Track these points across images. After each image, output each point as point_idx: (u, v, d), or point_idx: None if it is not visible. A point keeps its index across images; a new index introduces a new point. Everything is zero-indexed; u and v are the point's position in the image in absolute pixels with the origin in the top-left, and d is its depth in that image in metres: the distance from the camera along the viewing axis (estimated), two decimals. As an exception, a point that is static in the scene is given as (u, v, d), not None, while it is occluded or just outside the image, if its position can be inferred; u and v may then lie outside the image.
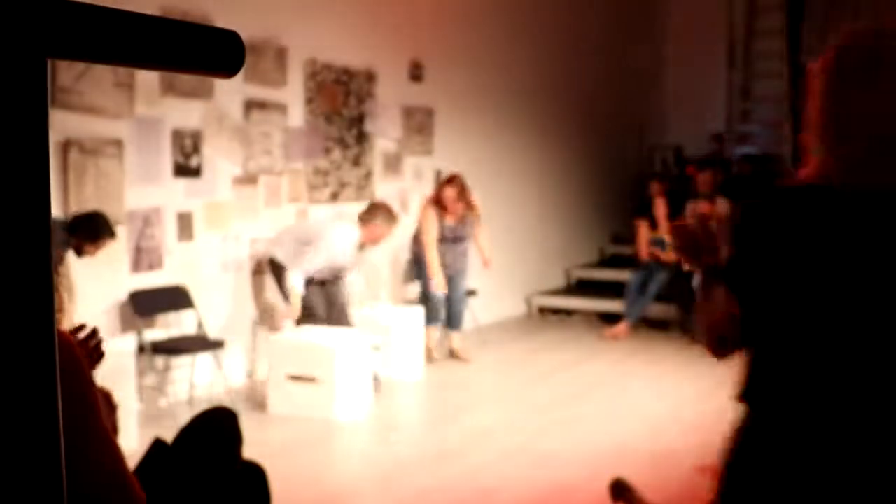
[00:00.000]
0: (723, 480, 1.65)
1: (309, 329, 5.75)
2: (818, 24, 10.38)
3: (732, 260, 1.60)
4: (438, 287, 6.62)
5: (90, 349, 1.99)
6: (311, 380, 5.40)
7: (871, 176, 1.50)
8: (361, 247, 5.94)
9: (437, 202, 6.69)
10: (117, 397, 4.43)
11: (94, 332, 2.07)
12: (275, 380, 5.48)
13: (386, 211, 5.90)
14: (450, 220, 6.70)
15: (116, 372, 4.62)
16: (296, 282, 5.70)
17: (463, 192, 6.64)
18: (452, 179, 6.71)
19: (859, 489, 1.49)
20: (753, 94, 11.01)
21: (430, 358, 6.77)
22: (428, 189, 7.61)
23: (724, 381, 6.08)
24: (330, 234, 5.75)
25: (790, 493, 1.54)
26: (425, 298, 6.77)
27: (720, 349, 1.69)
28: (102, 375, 4.46)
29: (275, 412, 5.41)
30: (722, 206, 8.59)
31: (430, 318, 6.78)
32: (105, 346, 2.14)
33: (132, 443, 4.16)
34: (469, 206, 6.70)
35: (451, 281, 6.91)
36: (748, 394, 1.62)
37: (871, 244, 1.49)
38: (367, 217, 5.87)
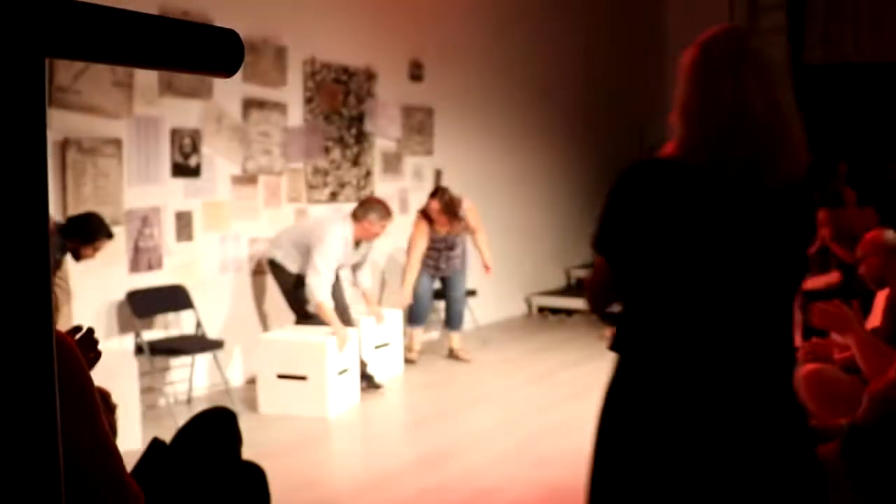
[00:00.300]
0: (599, 422, 1.84)
1: (298, 328, 5.76)
2: (819, 23, 10.38)
3: (600, 226, 1.82)
4: (406, 298, 6.57)
5: (86, 350, 1.98)
6: (301, 378, 5.41)
7: (718, 152, 1.72)
8: (357, 243, 5.92)
9: (426, 215, 6.61)
10: (118, 398, 4.45)
11: (90, 333, 2.07)
12: (265, 379, 5.48)
13: (380, 207, 5.85)
14: (441, 231, 6.64)
15: (119, 372, 4.66)
16: (323, 297, 5.57)
17: (450, 205, 6.46)
18: (436, 192, 6.60)
19: (712, 423, 1.72)
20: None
21: (409, 358, 6.79)
22: (427, 189, 7.61)
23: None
24: (327, 237, 5.72)
25: (654, 429, 1.75)
26: (414, 300, 6.79)
27: (597, 306, 1.94)
28: (106, 375, 4.46)
29: (265, 412, 5.40)
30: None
31: (412, 320, 6.80)
32: (101, 347, 2.14)
33: (136, 443, 4.15)
34: (455, 218, 6.51)
35: (449, 281, 6.90)
36: (618, 344, 1.83)
37: (716, 213, 1.73)
38: (360, 213, 5.82)
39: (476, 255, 6.92)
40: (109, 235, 4.76)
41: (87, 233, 4.68)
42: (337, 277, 6.07)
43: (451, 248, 6.75)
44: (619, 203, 1.80)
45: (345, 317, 6.00)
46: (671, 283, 1.76)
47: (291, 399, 5.39)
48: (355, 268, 6.21)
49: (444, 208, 6.44)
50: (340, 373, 5.51)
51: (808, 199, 1.86)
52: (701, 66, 1.79)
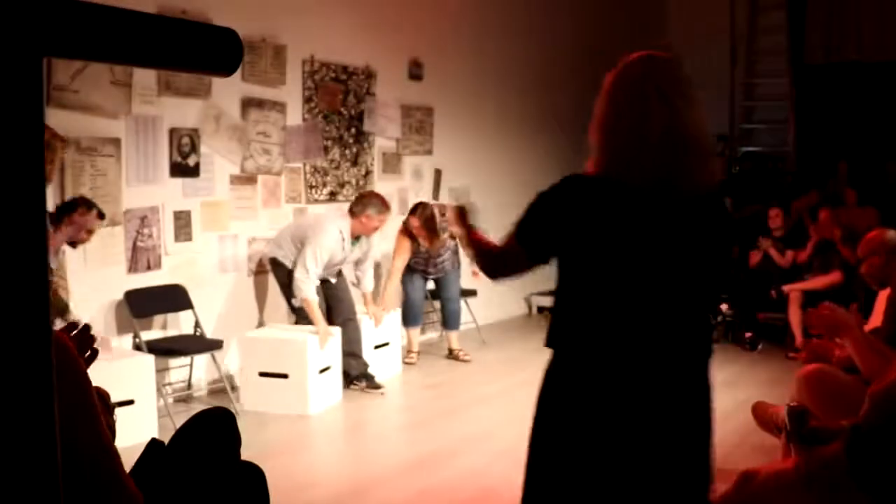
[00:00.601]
0: (535, 409, 2.10)
1: (280, 326, 5.78)
2: (821, 21, 10.37)
3: (525, 221, 2.08)
4: (388, 308, 6.52)
5: (83, 348, 1.97)
6: (282, 376, 5.44)
7: (630, 166, 1.92)
8: (356, 239, 5.89)
9: (407, 230, 6.54)
10: (134, 394, 4.46)
11: (86, 329, 2.06)
12: (247, 377, 5.48)
13: (378, 201, 5.82)
14: (423, 246, 6.58)
15: (135, 368, 4.75)
16: (308, 292, 5.59)
17: (430, 221, 6.36)
18: (416, 208, 6.50)
19: (627, 410, 1.95)
20: (756, 93, 11.00)
21: (408, 361, 6.79)
22: (427, 189, 7.60)
23: (724, 382, 6.10)
24: (323, 232, 5.70)
25: (582, 418, 1.99)
26: (405, 302, 6.78)
27: (492, 273, 2.26)
28: (123, 373, 4.44)
29: (247, 409, 5.40)
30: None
31: (407, 321, 6.79)
32: (97, 344, 2.13)
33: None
34: (435, 234, 6.41)
35: (441, 282, 6.89)
36: (550, 339, 2.06)
37: (631, 221, 1.93)
38: (358, 208, 5.81)
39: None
40: (89, 207, 4.63)
41: (60, 209, 4.54)
42: (340, 274, 6.06)
43: (436, 255, 6.72)
44: (545, 209, 2.04)
45: (350, 315, 5.98)
46: (592, 285, 1.99)
47: (272, 397, 5.41)
48: (358, 264, 6.17)
49: (423, 224, 6.37)
50: (321, 371, 5.54)
51: (719, 205, 2.05)
52: (617, 87, 2.01)
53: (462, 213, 2.44)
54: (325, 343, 5.53)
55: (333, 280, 6.02)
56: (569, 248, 2.00)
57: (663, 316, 1.97)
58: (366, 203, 5.80)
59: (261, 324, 6.18)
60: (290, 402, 5.40)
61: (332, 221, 5.80)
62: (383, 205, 5.81)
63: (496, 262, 2.29)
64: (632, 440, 1.97)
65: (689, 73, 2.05)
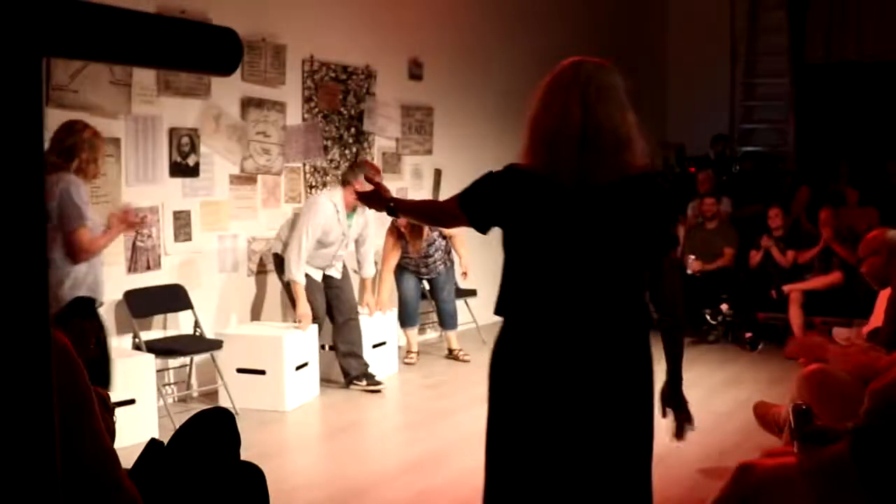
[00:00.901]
0: (490, 376, 2.34)
1: (257, 323, 5.80)
2: (821, 21, 10.37)
3: (469, 191, 2.35)
4: (382, 307, 6.50)
5: (81, 349, 1.97)
6: (259, 372, 5.47)
7: (550, 159, 2.18)
8: (352, 211, 5.80)
9: (396, 229, 6.52)
10: (135, 394, 4.46)
11: (84, 331, 2.06)
12: (225, 374, 5.48)
13: (368, 166, 5.78)
14: (413, 245, 6.55)
15: (137, 368, 4.79)
16: (294, 273, 5.61)
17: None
18: None
19: (553, 379, 2.20)
20: (756, 93, 10.99)
21: (408, 361, 6.79)
22: (427, 188, 7.59)
23: (724, 382, 6.11)
24: (315, 206, 5.69)
25: (510, 385, 2.26)
26: (401, 303, 6.78)
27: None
28: (124, 373, 4.43)
29: (224, 406, 5.41)
30: (726, 204, 8.59)
31: (404, 322, 6.79)
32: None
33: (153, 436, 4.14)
34: (418, 234, 6.40)
35: (434, 282, 6.88)
36: (498, 308, 2.34)
37: (551, 208, 2.19)
38: (350, 176, 5.75)
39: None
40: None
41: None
42: (344, 274, 6.00)
43: (426, 255, 6.72)
44: (488, 189, 2.32)
45: (351, 315, 5.95)
46: (521, 264, 2.26)
47: (250, 393, 5.43)
48: (357, 247, 6.09)
49: (410, 224, 6.35)
50: (298, 367, 5.56)
51: (648, 186, 2.23)
52: (545, 89, 2.24)
53: (375, 195, 2.66)
54: (305, 325, 5.58)
55: (337, 275, 5.96)
56: (504, 227, 2.30)
57: (580, 294, 2.20)
58: (357, 170, 5.72)
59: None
60: (267, 398, 5.44)
61: (324, 195, 5.81)
62: (374, 169, 5.76)
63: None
64: (554, 406, 2.22)
65: (624, 80, 2.33)
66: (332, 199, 5.74)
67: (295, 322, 5.80)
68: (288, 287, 5.80)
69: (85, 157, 4.08)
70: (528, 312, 2.25)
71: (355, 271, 6.26)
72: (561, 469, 2.24)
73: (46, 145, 3.99)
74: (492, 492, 2.33)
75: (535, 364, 2.22)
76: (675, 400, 2.44)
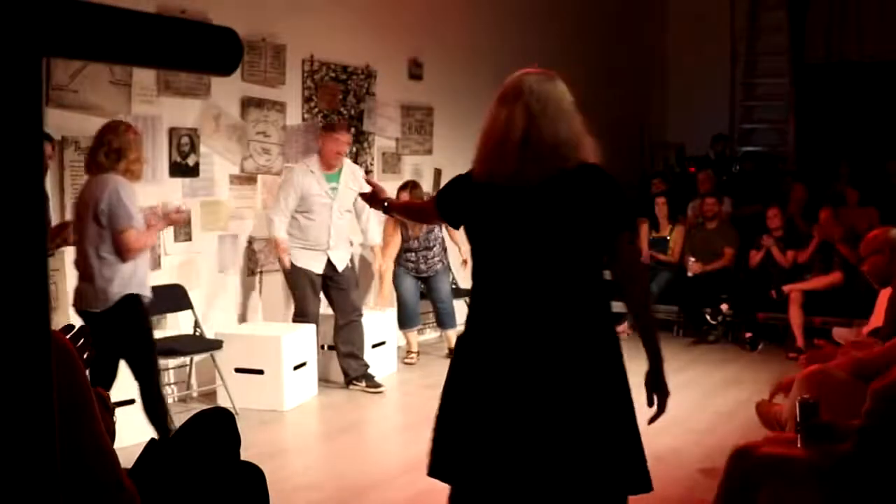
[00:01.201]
0: (451, 360, 2.55)
1: (256, 323, 5.80)
2: (821, 20, 10.37)
3: (440, 192, 2.65)
4: (388, 302, 6.53)
5: (80, 350, 1.97)
6: (258, 372, 5.47)
7: (490, 166, 2.43)
8: (332, 172, 5.78)
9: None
10: (134, 393, 4.47)
11: (83, 332, 2.05)
12: (224, 374, 5.49)
13: (329, 125, 5.93)
14: (414, 231, 6.58)
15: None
16: (274, 231, 5.70)
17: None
18: (406, 185, 6.55)
19: (498, 359, 2.37)
20: (756, 93, 10.99)
21: (407, 359, 6.79)
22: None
23: (725, 382, 6.08)
24: (289, 173, 5.83)
25: (473, 363, 2.43)
26: (399, 304, 6.78)
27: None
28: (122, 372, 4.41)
29: (223, 406, 5.41)
30: (727, 205, 8.59)
31: (403, 323, 6.80)
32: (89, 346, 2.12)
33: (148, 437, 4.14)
34: None
35: (431, 282, 6.86)
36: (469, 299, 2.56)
37: (493, 210, 2.41)
38: (326, 128, 5.90)
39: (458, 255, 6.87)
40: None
41: None
42: (349, 270, 5.96)
43: (427, 248, 6.72)
44: (452, 190, 2.58)
45: (353, 317, 5.92)
46: (477, 259, 2.48)
47: (248, 393, 5.43)
48: (358, 217, 6.02)
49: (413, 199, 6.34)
50: (296, 367, 5.57)
51: (586, 177, 2.38)
52: (495, 102, 2.51)
53: (373, 196, 2.96)
54: (285, 262, 5.63)
55: (340, 265, 5.89)
56: (464, 226, 2.55)
57: (522, 282, 2.37)
58: (333, 124, 5.92)
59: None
60: (265, 398, 5.44)
61: (298, 162, 5.95)
62: (335, 125, 5.93)
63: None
64: (501, 390, 2.36)
65: (565, 90, 2.60)
66: (305, 163, 5.81)
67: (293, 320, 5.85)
68: (288, 278, 5.80)
69: (132, 158, 4.19)
70: (481, 301, 2.48)
71: (361, 245, 6.26)
72: (504, 454, 2.36)
73: (91, 146, 4.24)
74: (435, 462, 2.55)
75: (484, 351, 2.40)
76: (654, 383, 2.48)
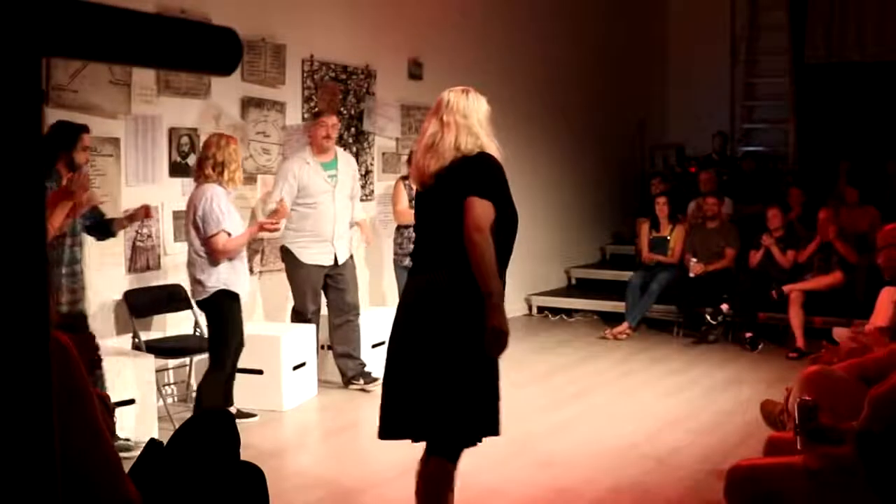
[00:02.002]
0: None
1: (255, 323, 5.80)
2: (822, 20, 10.37)
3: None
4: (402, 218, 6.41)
5: (86, 353, 1.97)
6: (257, 372, 5.46)
7: (414, 168, 3.16)
8: (327, 161, 5.76)
9: (405, 179, 6.33)
10: (134, 394, 4.47)
11: (90, 338, 2.06)
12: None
13: (319, 114, 5.96)
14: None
15: (135, 368, 4.80)
16: (276, 195, 5.65)
17: None
18: (406, 178, 6.52)
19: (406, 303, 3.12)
20: (756, 92, 10.99)
21: None
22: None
23: (725, 382, 6.08)
24: (280, 169, 5.84)
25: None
26: None
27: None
28: (122, 371, 4.43)
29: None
30: (728, 206, 8.59)
31: None
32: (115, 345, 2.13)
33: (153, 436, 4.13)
34: None
35: None
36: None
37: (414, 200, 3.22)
38: (315, 116, 5.92)
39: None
40: (84, 128, 4.51)
41: (66, 135, 4.38)
42: (349, 265, 5.93)
43: None
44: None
45: (350, 316, 5.92)
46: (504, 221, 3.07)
47: (248, 393, 5.41)
48: (353, 202, 5.99)
49: None
50: (295, 367, 5.58)
51: (461, 165, 2.99)
52: (428, 115, 3.14)
53: None
54: (279, 218, 5.41)
55: (342, 258, 5.83)
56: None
57: (420, 249, 3.11)
58: (318, 114, 5.94)
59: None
60: (264, 398, 5.43)
61: (291, 155, 5.99)
62: (323, 111, 5.98)
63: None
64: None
65: (484, 102, 3.24)
66: (298, 156, 5.82)
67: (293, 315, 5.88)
68: (290, 276, 5.82)
69: (233, 168, 4.79)
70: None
71: (351, 225, 6.20)
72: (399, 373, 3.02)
73: (198, 158, 4.92)
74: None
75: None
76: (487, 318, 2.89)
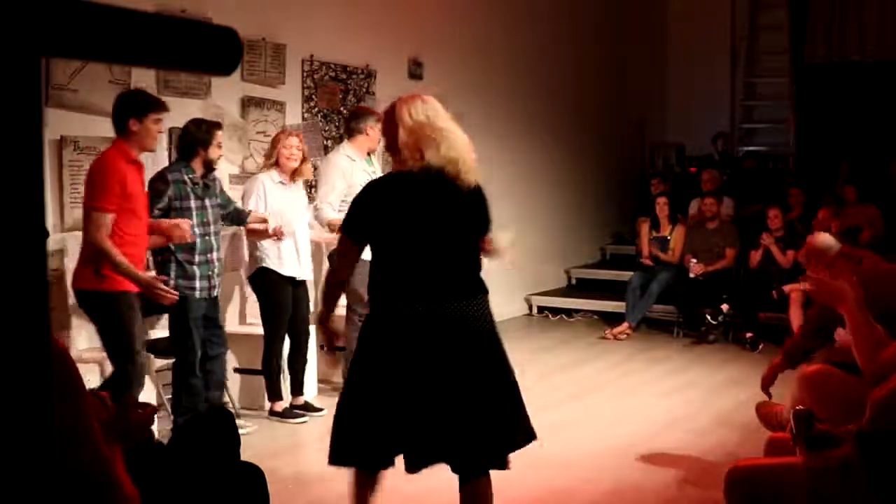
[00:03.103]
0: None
1: (255, 323, 5.79)
2: (822, 20, 10.37)
3: (351, 217, 3.16)
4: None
5: (137, 422, 2.00)
6: (257, 372, 5.45)
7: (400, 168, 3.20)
8: (368, 156, 5.62)
9: None
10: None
11: (151, 409, 2.09)
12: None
13: (370, 113, 5.62)
14: None
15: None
16: (329, 213, 5.38)
17: None
18: None
19: (404, 332, 3.03)
20: (757, 92, 10.99)
21: None
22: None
23: (725, 382, 6.07)
24: (329, 164, 5.53)
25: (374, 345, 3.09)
26: None
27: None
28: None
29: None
30: (727, 206, 8.59)
31: None
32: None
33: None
34: None
35: None
36: (370, 290, 3.13)
37: (406, 199, 3.12)
38: (355, 126, 5.55)
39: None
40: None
41: (206, 131, 4.62)
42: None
43: None
44: (364, 197, 3.16)
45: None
46: (391, 239, 3.08)
47: (247, 392, 5.43)
48: None
49: None
50: None
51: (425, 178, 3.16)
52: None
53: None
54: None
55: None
56: (377, 218, 3.18)
57: (435, 261, 3.13)
58: (361, 118, 5.58)
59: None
60: (265, 398, 5.43)
61: (333, 154, 5.65)
62: (375, 114, 5.52)
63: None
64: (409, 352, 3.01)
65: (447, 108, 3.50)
66: (343, 153, 5.55)
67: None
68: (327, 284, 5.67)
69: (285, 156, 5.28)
70: (390, 285, 3.20)
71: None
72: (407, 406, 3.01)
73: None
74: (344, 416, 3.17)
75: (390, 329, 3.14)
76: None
